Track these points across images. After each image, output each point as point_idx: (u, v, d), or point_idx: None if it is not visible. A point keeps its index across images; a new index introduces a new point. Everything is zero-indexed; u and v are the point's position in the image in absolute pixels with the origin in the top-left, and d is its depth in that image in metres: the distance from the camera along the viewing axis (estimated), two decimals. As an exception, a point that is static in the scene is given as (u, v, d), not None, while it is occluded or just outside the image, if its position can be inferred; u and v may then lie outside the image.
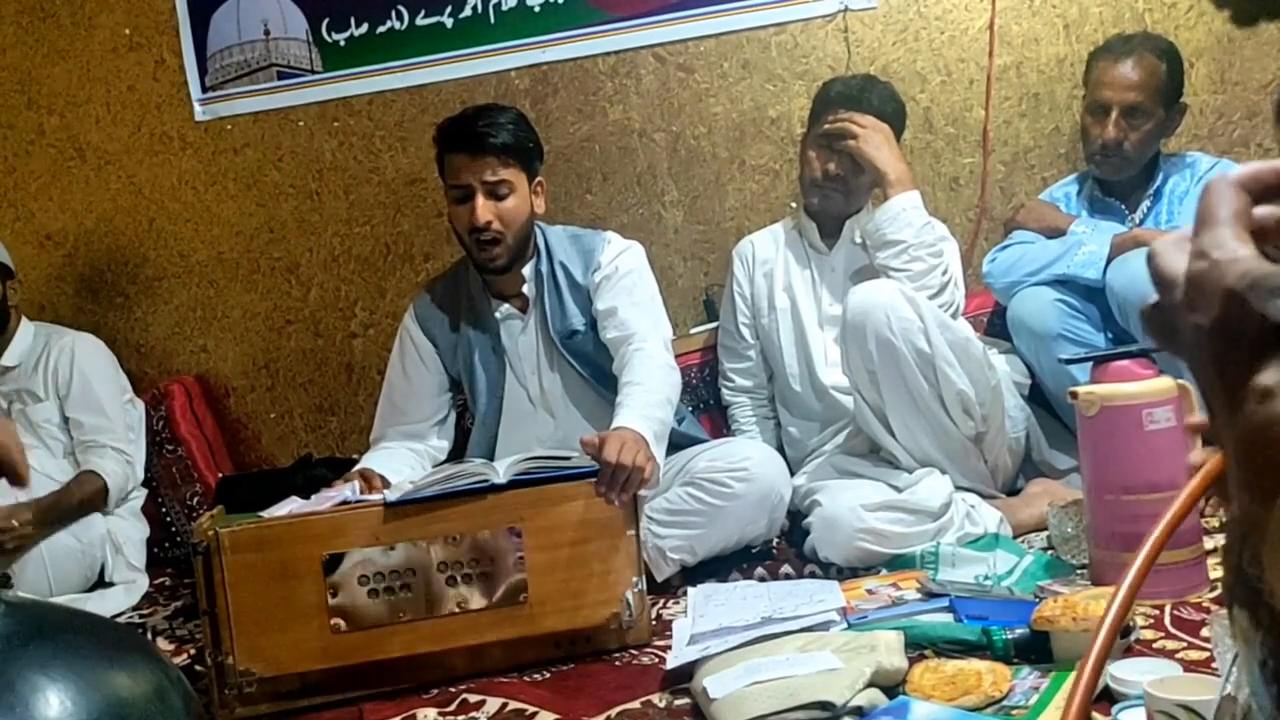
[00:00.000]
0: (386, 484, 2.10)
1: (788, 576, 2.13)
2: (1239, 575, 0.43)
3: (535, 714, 1.64)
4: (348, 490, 1.98)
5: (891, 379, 2.14)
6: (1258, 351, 0.41)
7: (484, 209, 2.17)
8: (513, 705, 1.68)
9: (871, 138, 2.33)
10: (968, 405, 2.16)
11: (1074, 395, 1.85)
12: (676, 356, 2.31)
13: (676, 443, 2.22)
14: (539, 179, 2.28)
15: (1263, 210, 0.46)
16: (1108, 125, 2.39)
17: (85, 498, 2.53)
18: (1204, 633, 1.58)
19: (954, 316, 2.26)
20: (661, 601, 2.09)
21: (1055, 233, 2.48)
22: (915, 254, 2.26)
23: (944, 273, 2.27)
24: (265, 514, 1.90)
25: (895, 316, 2.12)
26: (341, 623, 1.80)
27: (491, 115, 2.21)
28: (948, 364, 2.14)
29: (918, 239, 2.26)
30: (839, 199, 2.43)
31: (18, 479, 0.96)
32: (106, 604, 2.51)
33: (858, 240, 2.43)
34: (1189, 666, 1.45)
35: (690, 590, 2.07)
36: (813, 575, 2.11)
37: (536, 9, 2.89)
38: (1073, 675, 0.52)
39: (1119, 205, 2.50)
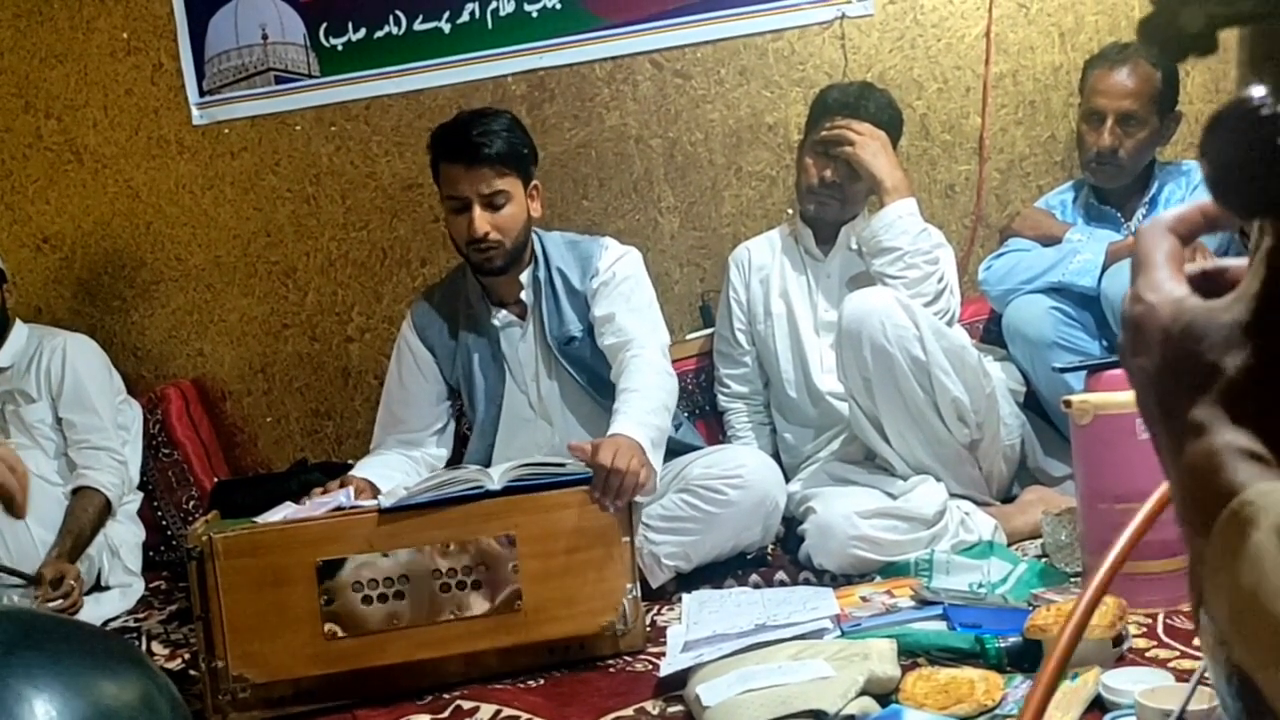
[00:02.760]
0: (376, 492, 2.10)
1: (782, 583, 2.13)
2: (1204, 594, 0.44)
3: (528, 721, 1.64)
4: (342, 495, 1.98)
5: (886, 386, 2.14)
6: (1194, 389, 0.42)
7: (481, 220, 2.17)
8: (506, 712, 1.68)
9: (868, 145, 2.33)
10: (962, 413, 2.17)
11: (1068, 404, 1.85)
12: (673, 362, 2.31)
13: (672, 449, 2.22)
14: (534, 183, 2.28)
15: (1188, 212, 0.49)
16: (1103, 133, 2.39)
17: (96, 520, 2.56)
18: (1196, 641, 1.58)
19: (949, 324, 2.27)
20: (656, 608, 2.09)
21: (1051, 240, 2.48)
22: (911, 261, 2.26)
23: (939, 280, 2.28)
24: (259, 519, 1.89)
25: (890, 324, 2.12)
26: (335, 629, 1.80)
27: (485, 123, 2.19)
28: (943, 371, 2.14)
29: (913, 246, 2.26)
30: (835, 206, 2.43)
31: (15, 510, 0.96)
32: (102, 608, 2.51)
33: (854, 247, 2.43)
34: (1181, 676, 1.45)
35: (685, 597, 2.08)
36: (807, 582, 2.12)
37: (534, 15, 2.89)
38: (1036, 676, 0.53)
39: (1114, 213, 2.51)
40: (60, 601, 2.34)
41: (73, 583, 2.38)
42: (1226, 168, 0.42)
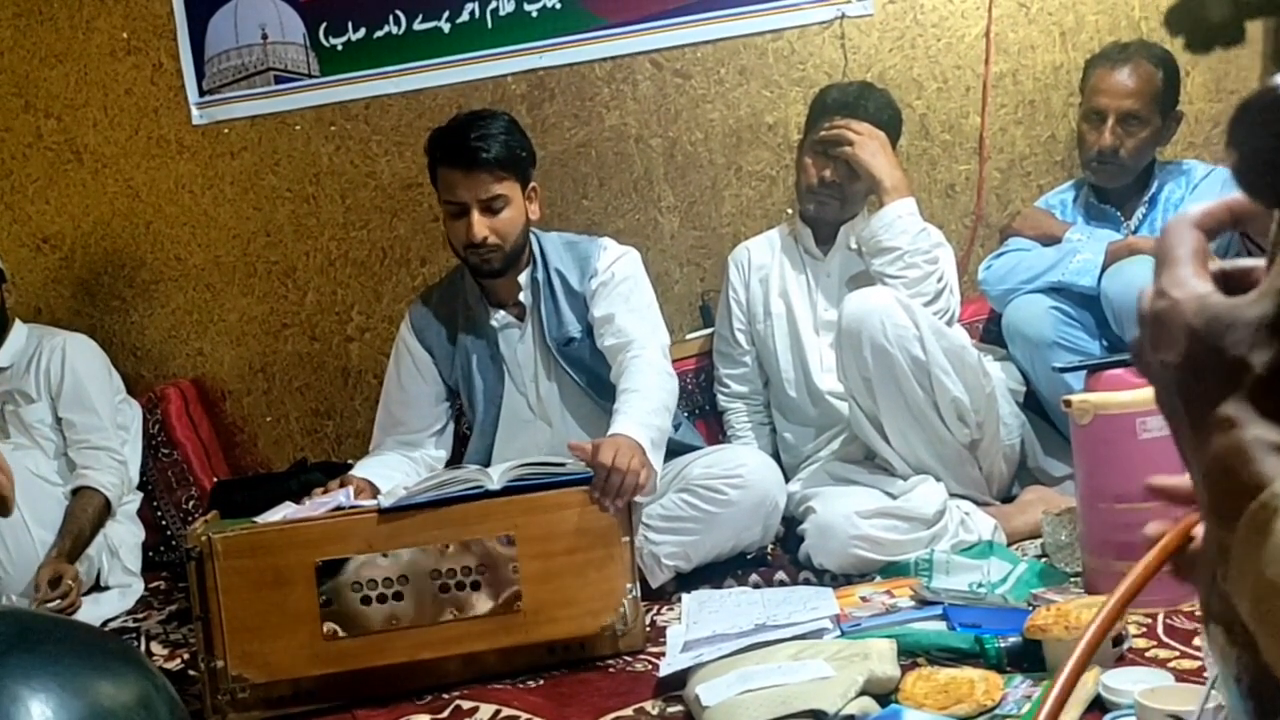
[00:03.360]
0: (376, 492, 2.10)
1: (782, 583, 2.13)
2: (1215, 593, 0.44)
3: (527, 721, 1.64)
4: (341, 496, 1.98)
5: (886, 386, 2.14)
6: (1220, 385, 0.43)
7: (480, 225, 2.16)
8: (506, 712, 1.68)
9: (867, 144, 2.33)
10: (962, 412, 2.16)
11: (1068, 404, 1.85)
12: (673, 362, 2.30)
13: (672, 449, 2.22)
14: (532, 185, 2.28)
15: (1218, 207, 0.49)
16: (1104, 132, 2.39)
17: (95, 520, 2.56)
18: (1196, 641, 1.58)
19: (949, 323, 2.26)
20: (656, 608, 2.09)
21: (1051, 240, 2.48)
22: (910, 261, 2.26)
23: (939, 279, 2.27)
24: (259, 519, 1.89)
25: (890, 324, 2.12)
26: (334, 629, 1.80)
27: (483, 126, 2.18)
28: (943, 371, 2.14)
29: (913, 246, 2.26)
30: (835, 205, 2.43)
31: (2, 508, 0.97)
32: (101, 608, 2.50)
33: (853, 246, 2.43)
34: (1181, 676, 1.45)
35: (685, 597, 2.07)
36: (807, 582, 2.11)
37: (534, 15, 2.89)
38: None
39: (1114, 213, 2.51)
40: (58, 601, 2.34)
41: (70, 582, 2.37)
42: (1253, 156, 0.42)
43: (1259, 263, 0.47)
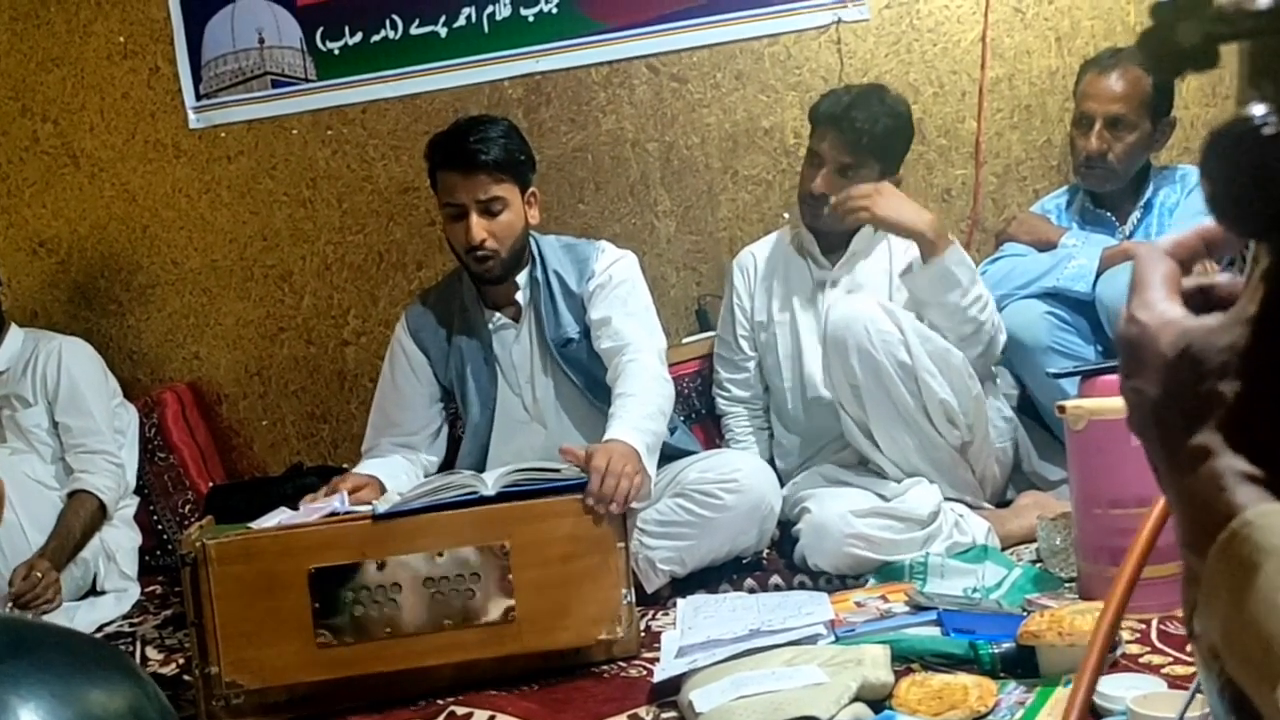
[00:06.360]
0: (383, 487, 2.10)
1: (777, 588, 2.13)
2: (1197, 611, 0.44)
3: (521, 727, 1.64)
4: (336, 501, 1.98)
5: (875, 392, 2.14)
6: (1194, 414, 0.43)
7: (478, 227, 2.17)
8: (500, 718, 1.68)
9: (880, 202, 2.23)
10: (951, 414, 2.16)
11: (1062, 409, 1.85)
12: (669, 366, 2.30)
13: (668, 454, 2.22)
14: (532, 190, 2.28)
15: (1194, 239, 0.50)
16: (1091, 137, 2.40)
17: (88, 524, 2.55)
18: (1189, 648, 1.57)
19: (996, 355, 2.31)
20: (650, 613, 2.09)
21: (1046, 245, 2.48)
22: (968, 314, 2.21)
23: (991, 326, 2.26)
24: (253, 525, 1.89)
25: (875, 329, 2.12)
26: (328, 635, 1.80)
27: (482, 130, 2.19)
28: (929, 374, 2.14)
29: (966, 301, 2.21)
30: (832, 215, 2.41)
31: None
32: (97, 612, 2.50)
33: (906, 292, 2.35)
34: (1174, 682, 1.45)
35: (679, 602, 2.07)
36: (802, 586, 2.11)
37: (530, 19, 2.89)
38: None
39: (1110, 218, 2.51)
40: (27, 595, 2.32)
41: (39, 575, 2.35)
42: (1227, 187, 0.42)
43: (1236, 280, 0.47)
